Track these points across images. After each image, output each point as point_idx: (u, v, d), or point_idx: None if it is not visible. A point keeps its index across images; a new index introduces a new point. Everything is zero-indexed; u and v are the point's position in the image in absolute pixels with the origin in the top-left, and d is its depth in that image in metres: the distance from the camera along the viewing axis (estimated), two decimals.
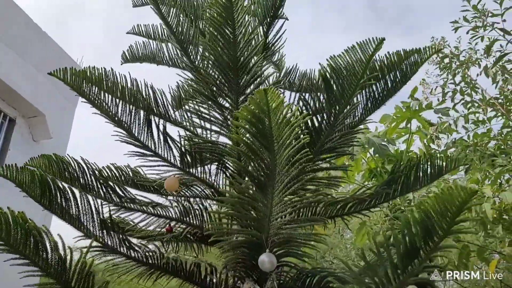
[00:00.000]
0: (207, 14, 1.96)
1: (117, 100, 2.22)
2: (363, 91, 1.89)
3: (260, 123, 1.42)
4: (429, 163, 2.10)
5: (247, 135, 1.53)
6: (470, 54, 4.52)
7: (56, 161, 2.15)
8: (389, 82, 1.88)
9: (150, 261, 2.17)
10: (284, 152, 1.46)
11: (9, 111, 7.32)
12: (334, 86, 1.72)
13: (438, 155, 2.08)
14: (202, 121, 2.36)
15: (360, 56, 1.59)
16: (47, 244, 1.58)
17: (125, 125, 2.23)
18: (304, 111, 1.98)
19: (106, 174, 2.28)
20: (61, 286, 1.62)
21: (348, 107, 1.77)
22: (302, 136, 1.44)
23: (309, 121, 1.91)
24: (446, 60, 4.74)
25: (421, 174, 2.11)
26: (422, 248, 1.20)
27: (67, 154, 2.16)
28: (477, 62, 4.27)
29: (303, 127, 1.58)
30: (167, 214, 2.30)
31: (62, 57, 8.46)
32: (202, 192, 2.43)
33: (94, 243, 2.09)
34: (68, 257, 1.60)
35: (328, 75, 1.72)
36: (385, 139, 4.33)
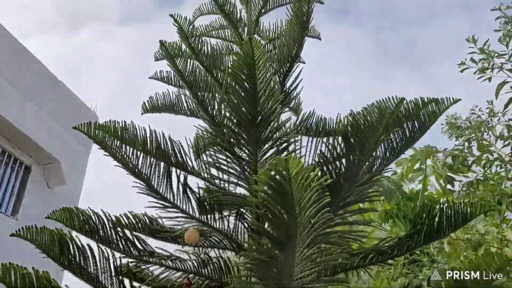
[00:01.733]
0: (229, 70, 2.01)
1: (138, 152, 2.25)
2: (382, 144, 1.90)
3: (280, 188, 1.44)
4: (452, 210, 2.06)
5: (267, 198, 1.54)
6: (485, 121, 4.52)
7: (77, 214, 2.17)
8: (407, 132, 1.89)
9: None
10: (305, 214, 1.47)
11: (24, 159, 7.45)
12: (355, 144, 1.74)
13: (462, 201, 2.04)
14: (220, 172, 2.37)
15: (380, 114, 1.62)
16: None
17: (145, 177, 2.25)
18: (323, 161, 1.99)
19: (125, 222, 2.28)
20: None
21: (368, 162, 1.78)
22: (322, 197, 1.45)
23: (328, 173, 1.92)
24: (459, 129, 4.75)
25: (444, 222, 2.06)
26: None
27: (88, 207, 2.17)
28: (493, 128, 4.26)
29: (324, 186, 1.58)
30: (186, 267, 2.28)
31: (77, 104, 8.67)
32: (221, 242, 2.41)
33: None
34: None
35: (348, 133, 1.75)
36: (401, 180, 4.31)
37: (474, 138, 4.46)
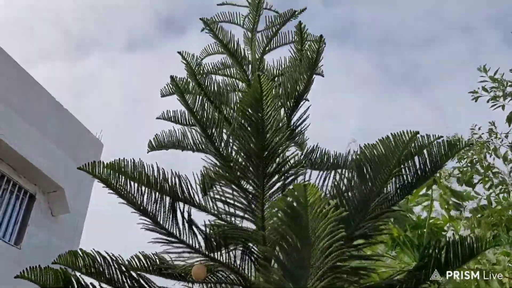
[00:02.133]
0: (238, 106, 2.05)
1: (143, 189, 2.26)
2: (394, 179, 1.91)
3: (297, 215, 1.45)
4: (459, 244, 2.05)
5: (282, 225, 1.55)
6: (487, 141, 4.53)
7: (82, 257, 2.16)
8: (419, 171, 1.90)
9: None
10: (320, 244, 1.47)
11: (29, 187, 7.44)
12: (367, 176, 1.75)
13: (469, 236, 2.04)
14: (226, 206, 2.37)
15: (393, 147, 1.65)
16: None
17: (151, 214, 2.26)
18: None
19: (133, 263, 2.27)
20: None
21: (379, 196, 1.79)
22: (338, 228, 1.46)
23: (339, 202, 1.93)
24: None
25: (452, 256, 2.06)
26: None
27: (93, 249, 2.17)
28: (496, 150, 4.28)
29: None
30: None
31: (82, 131, 8.72)
32: (228, 277, 2.39)
33: None
34: None
35: (362, 164, 1.77)
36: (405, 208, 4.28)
37: (477, 160, 4.46)
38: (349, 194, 1.96)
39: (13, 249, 6.95)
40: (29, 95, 7.88)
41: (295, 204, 1.45)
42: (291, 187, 2.26)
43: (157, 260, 2.29)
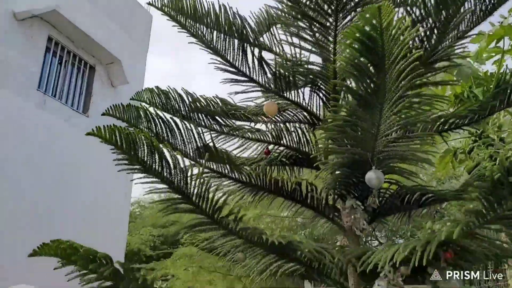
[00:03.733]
0: None
1: (211, 28, 2.24)
2: None
3: (371, 41, 1.39)
4: None
5: (353, 54, 1.50)
6: None
7: (158, 93, 2.25)
8: None
9: (254, 182, 2.26)
10: (395, 68, 1.43)
11: (89, 59, 7.69)
12: None
13: None
14: (292, 47, 2.32)
15: None
16: (170, 160, 1.69)
17: (221, 52, 2.27)
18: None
19: (203, 104, 2.35)
20: (184, 200, 1.76)
21: (458, 14, 1.67)
22: (414, 50, 1.40)
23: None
24: None
25: None
26: None
27: (168, 86, 2.25)
28: None
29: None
30: (265, 139, 2.36)
31: (131, 3, 8.62)
32: (295, 116, 2.45)
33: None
34: (189, 172, 1.70)
35: None
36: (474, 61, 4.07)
37: None
38: (422, 12, 1.84)
39: (83, 117, 7.47)
40: None
41: (368, 27, 1.38)
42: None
43: (220, 102, 2.34)
